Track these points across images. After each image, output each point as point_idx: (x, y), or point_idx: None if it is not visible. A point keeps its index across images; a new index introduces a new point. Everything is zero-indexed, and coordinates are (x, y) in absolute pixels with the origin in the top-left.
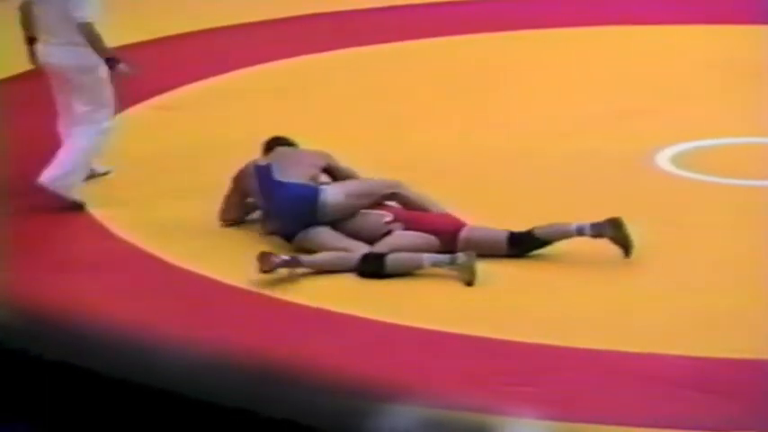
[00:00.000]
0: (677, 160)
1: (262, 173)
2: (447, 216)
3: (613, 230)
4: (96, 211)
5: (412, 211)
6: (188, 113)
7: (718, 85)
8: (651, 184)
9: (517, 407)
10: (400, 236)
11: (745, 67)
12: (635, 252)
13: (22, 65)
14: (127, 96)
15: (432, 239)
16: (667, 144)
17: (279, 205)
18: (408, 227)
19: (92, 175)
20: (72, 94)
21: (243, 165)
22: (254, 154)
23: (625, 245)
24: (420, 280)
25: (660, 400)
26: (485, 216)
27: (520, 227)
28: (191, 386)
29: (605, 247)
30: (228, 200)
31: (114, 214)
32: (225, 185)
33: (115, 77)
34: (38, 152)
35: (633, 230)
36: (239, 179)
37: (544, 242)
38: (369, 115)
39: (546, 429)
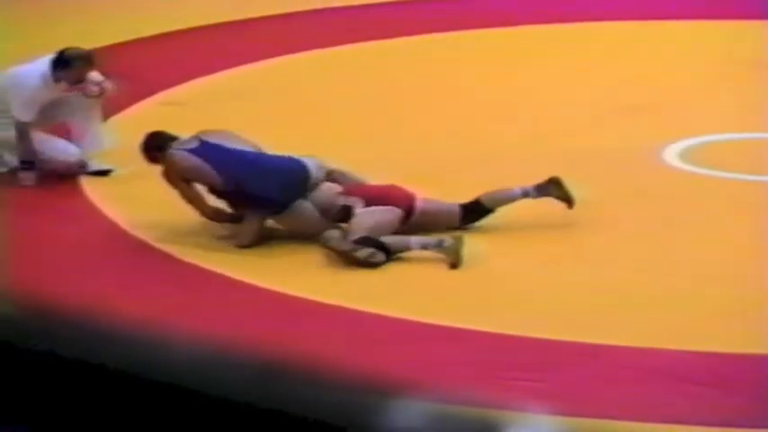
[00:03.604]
0: (685, 156)
1: (215, 152)
2: (396, 187)
3: (557, 189)
4: (101, 205)
5: (362, 186)
6: (191, 110)
7: (726, 80)
8: (659, 179)
9: (523, 402)
10: (369, 213)
11: (752, 62)
12: (643, 244)
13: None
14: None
15: (397, 211)
16: (675, 139)
17: (269, 178)
18: (368, 202)
19: (94, 171)
20: None
21: (170, 159)
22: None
23: (568, 200)
24: (424, 273)
25: (665, 396)
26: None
27: (525, 221)
28: (196, 381)
29: (610, 240)
30: (191, 198)
31: (119, 209)
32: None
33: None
34: None
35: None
36: (182, 171)
37: (491, 209)
38: (368, 113)
39: (551, 424)
